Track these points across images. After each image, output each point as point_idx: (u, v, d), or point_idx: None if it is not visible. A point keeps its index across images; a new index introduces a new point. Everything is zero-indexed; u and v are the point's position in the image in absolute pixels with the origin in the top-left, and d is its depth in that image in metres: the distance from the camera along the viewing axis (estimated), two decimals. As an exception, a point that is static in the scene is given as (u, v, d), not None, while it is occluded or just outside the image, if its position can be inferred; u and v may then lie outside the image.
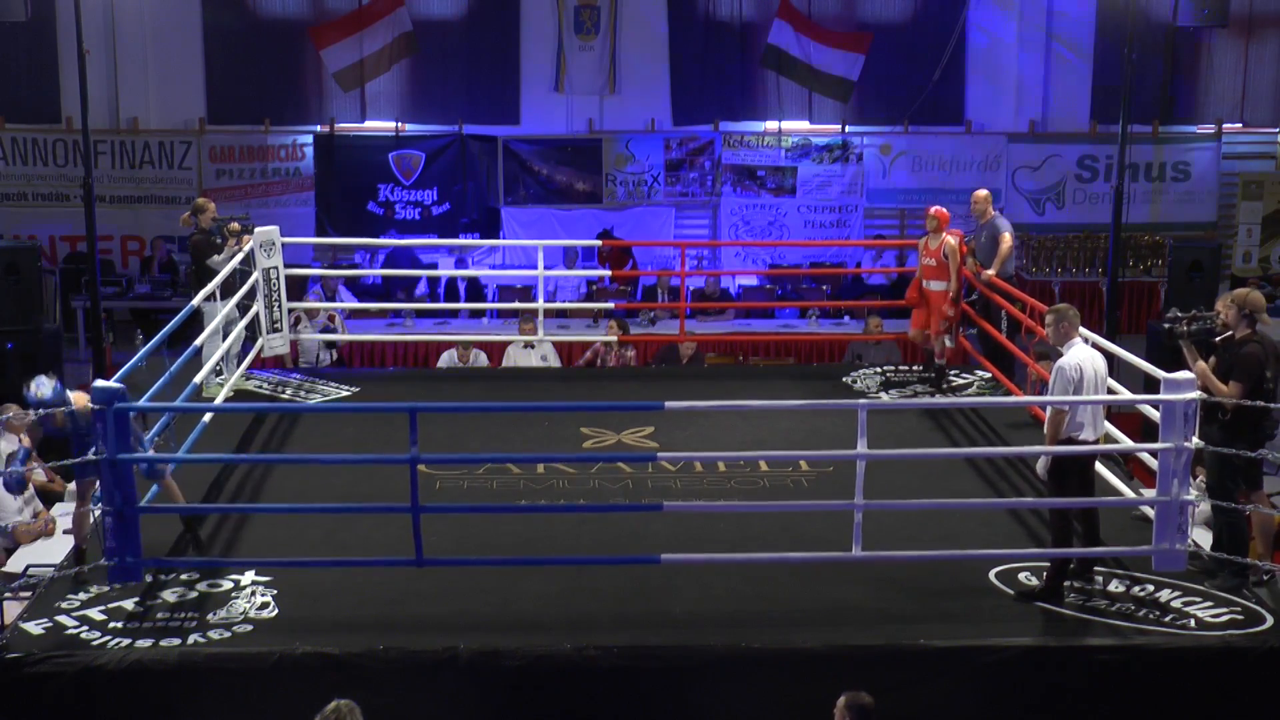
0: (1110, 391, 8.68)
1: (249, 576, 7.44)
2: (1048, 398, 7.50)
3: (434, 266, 16.94)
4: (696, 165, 17.38)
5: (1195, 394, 7.12)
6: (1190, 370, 7.48)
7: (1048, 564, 7.59)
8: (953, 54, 17.44)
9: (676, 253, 15.50)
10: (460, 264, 17.04)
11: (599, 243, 16.32)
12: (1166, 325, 7.78)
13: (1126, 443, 8.56)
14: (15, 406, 9.76)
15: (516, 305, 14.76)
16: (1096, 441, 7.48)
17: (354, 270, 16.29)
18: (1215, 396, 7.33)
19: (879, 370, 11.82)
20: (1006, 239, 10.95)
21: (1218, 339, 7.57)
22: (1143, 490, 8.27)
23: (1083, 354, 7.45)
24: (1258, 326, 7.47)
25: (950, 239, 10.83)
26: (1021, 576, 7.49)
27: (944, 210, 11.05)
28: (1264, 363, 7.37)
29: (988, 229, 11.14)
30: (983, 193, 11.45)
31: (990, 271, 10.88)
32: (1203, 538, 8.01)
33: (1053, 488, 7.44)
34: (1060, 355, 7.55)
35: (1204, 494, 7.85)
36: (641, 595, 7.32)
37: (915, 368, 11.75)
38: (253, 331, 10.95)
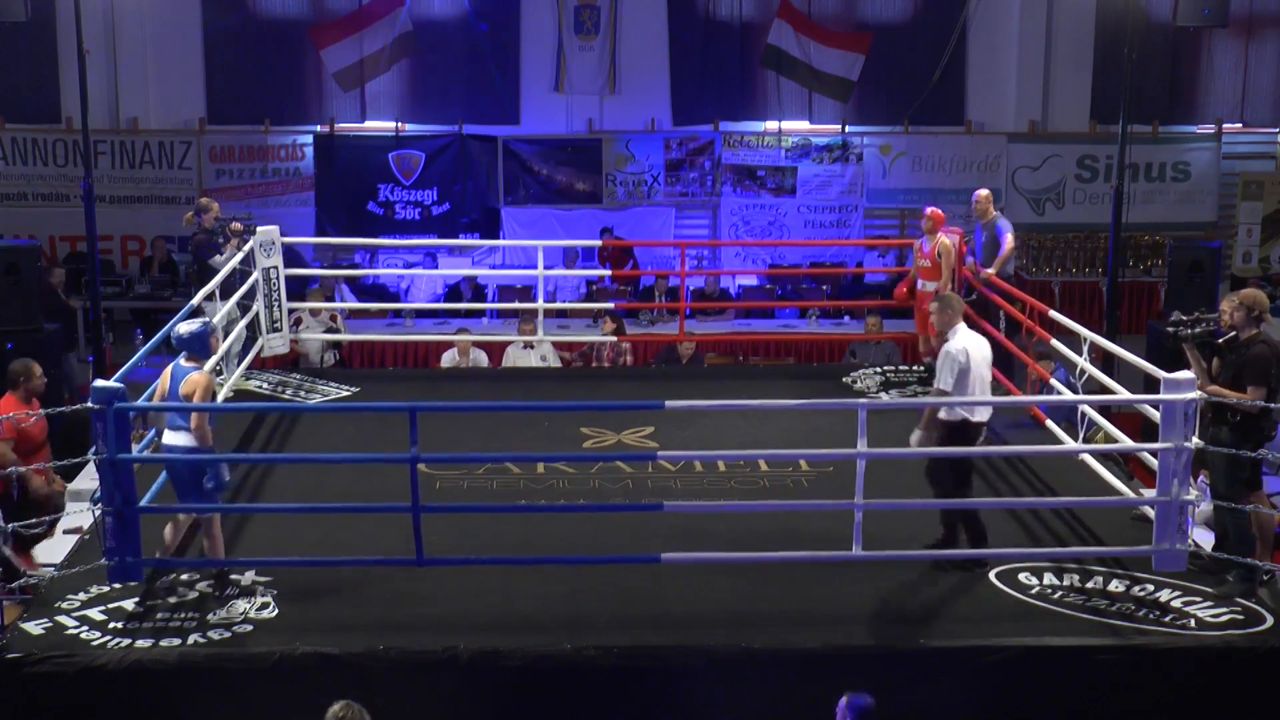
0: (1109, 391, 8.71)
1: (249, 576, 7.44)
2: (976, 399, 7.58)
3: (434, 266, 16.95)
4: (696, 165, 17.38)
5: (1195, 394, 7.12)
6: (1196, 374, 7.45)
7: (1048, 564, 7.61)
8: (953, 54, 17.44)
9: (676, 253, 15.49)
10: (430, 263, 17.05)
11: (599, 243, 16.33)
12: (1170, 329, 7.70)
13: (1127, 443, 8.57)
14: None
15: (516, 305, 14.76)
16: (982, 423, 7.77)
17: (354, 270, 16.29)
18: (1234, 401, 7.24)
19: (879, 370, 11.82)
20: (1009, 240, 10.95)
21: (1221, 340, 7.53)
22: (1143, 490, 8.26)
23: (967, 340, 7.66)
24: (1262, 326, 7.42)
25: (945, 239, 10.83)
26: (1021, 577, 7.49)
27: (939, 211, 11.05)
28: (1271, 363, 7.32)
29: (989, 229, 11.15)
30: (984, 193, 11.45)
31: (990, 271, 10.89)
32: (1203, 538, 8.02)
33: (935, 469, 7.71)
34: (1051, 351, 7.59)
35: (1204, 495, 7.86)
36: (641, 595, 7.32)
37: (916, 368, 11.72)
38: (253, 331, 10.95)
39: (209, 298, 9.98)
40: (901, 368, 11.99)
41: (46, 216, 16.86)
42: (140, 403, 7.32)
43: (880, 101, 17.53)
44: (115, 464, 6.80)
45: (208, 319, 7.65)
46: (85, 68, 12.47)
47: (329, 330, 13.17)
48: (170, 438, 7.20)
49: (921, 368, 11.58)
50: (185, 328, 7.38)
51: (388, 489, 8.29)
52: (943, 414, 7.64)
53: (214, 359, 9.37)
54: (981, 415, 7.75)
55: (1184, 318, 7.69)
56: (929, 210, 11.05)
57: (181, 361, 7.33)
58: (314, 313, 13.09)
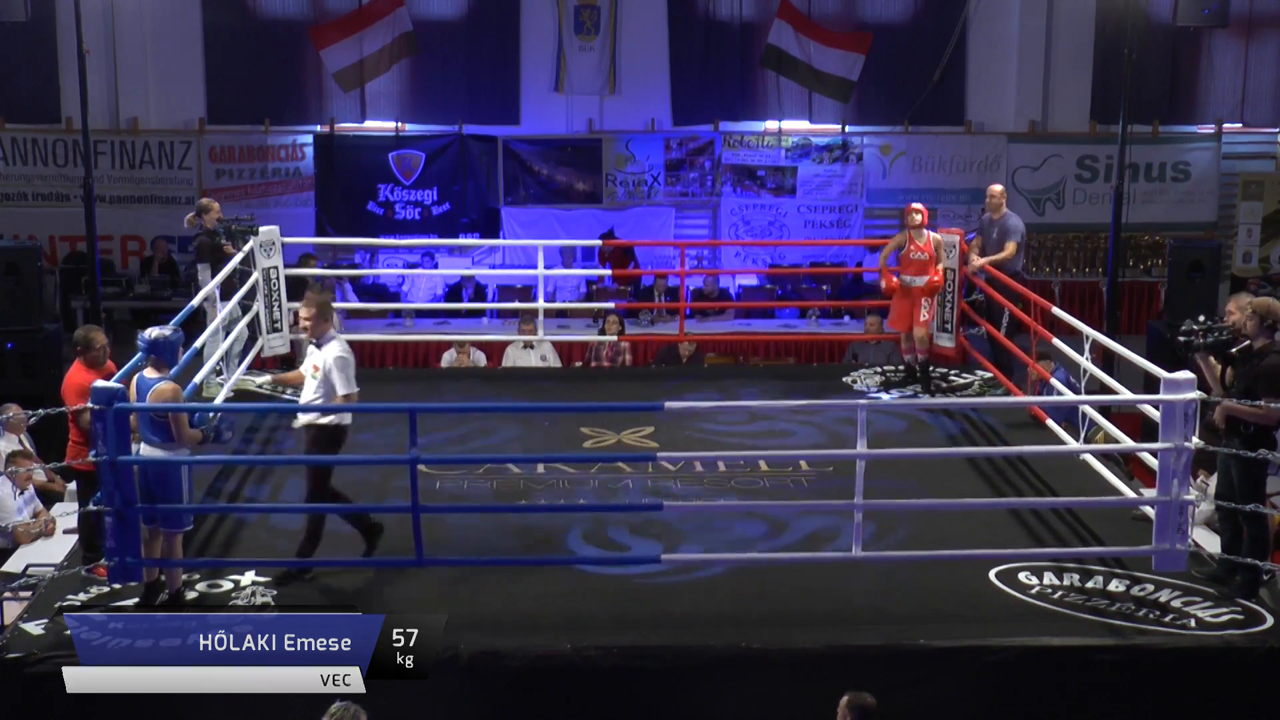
0: (1110, 391, 8.71)
1: (249, 576, 7.44)
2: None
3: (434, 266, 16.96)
4: (696, 165, 17.37)
5: (1195, 394, 7.10)
6: (1209, 383, 7.39)
7: (1048, 564, 7.61)
8: (953, 54, 17.42)
9: (676, 253, 15.50)
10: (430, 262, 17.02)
11: (599, 243, 16.33)
12: (1182, 339, 7.54)
13: (1127, 443, 8.57)
14: (15, 406, 9.79)
15: (516, 305, 14.76)
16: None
17: (354, 270, 16.28)
18: (1251, 414, 7.12)
19: (879, 370, 11.82)
20: (1011, 246, 10.95)
21: (1235, 350, 7.36)
22: (1143, 490, 8.26)
23: (343, 342, 7.65)
24: (1276, 336, 7.24)
25: (938, 236, 10.80)
26: (1021, 577, 7.49)
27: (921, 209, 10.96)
28: None
29: (999, 227, 11.13)
30: (998, 188, 11.45)
31: (983, 260, 10.86)
32: (1203, 538, 8.01)
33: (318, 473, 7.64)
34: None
35: (1204, 495, 7.85)
36: (641, 595, 7.32)
37: (901, 368, 11.66)
38: (253, 331, 10.94)
39: (208, 298, 9.97)
40: (901, 368, 11.97)
41: (46, 216, 16.83)
42: (139, 403, 7.29)
43: (880, 101, 17.52)
44: (115, 465, 6.79)
45: (181, 331, 7.51)
46: (85, 68, 12.49)
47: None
48: (146, 451, 7.09)
49: (917, 364, 11.55)
50: (158, 331, 7.21)
51: (388, 489, 8.29)
52: (324, 419, 7.54)
53: (208, 367, 9.38)
54: (349, 419, 7.74)
55: (1194, 327, 7.49)
56: (920, 207, 10.93)
57: (146, 374, 7.16)
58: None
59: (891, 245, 11.07)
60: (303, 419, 7.63)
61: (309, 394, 7.60)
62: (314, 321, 7.61)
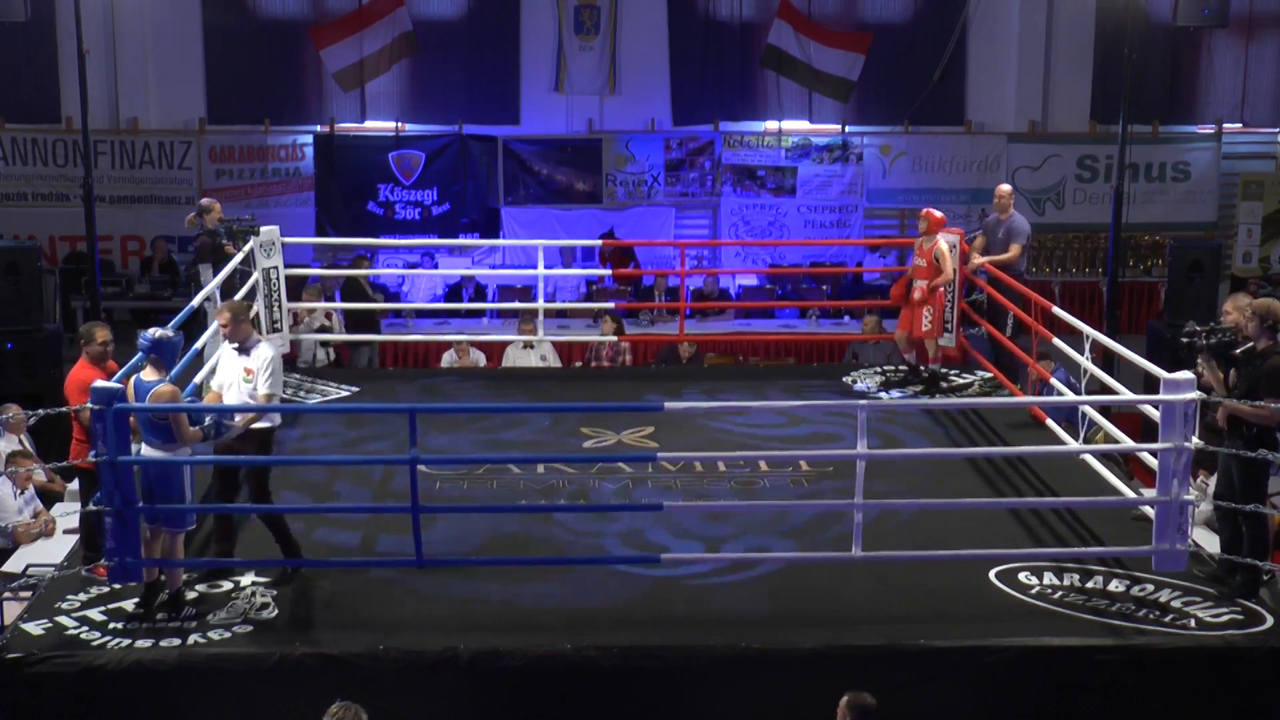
0: (1110, 391, 8.71)
1: (249, 577, 7.44)
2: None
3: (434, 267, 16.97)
4: (696, 165, 17.39)
5: (1195, 394, 7.10)
6: (1213, 384, 7.38)
7: (1048, 564, 7.61)
8: (953, 54, 17.44)
9: (676, 252, 15.51)
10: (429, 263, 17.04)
11: (599, 243, 16.34)
12: (1185, 340, 7.53)
13: (1127, 443, 8.56)
14: (15, 406, 9.79)
15: (516, 305, 14.76)
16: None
17: (354, 270, 16.26)
18: (1253, 415, 7.10)
19: (879, 370, 11.82)
20: (1015, 249, 10.95)
21: (1238, 351, 7.34)
22: (1143, 490, 8.26)
23: (272, 345, 7.61)
24: (1278, 337, 7.20)
25: (942, 242, 10.80)
26: (1021, 577, 7.49)
27: (935, 212, 10.96)
28: None
29: (1005, 227, 11.13)
30: (1006, 188, 11.46)
31: (983, 259, 10.86)
32: (1203, 538, 8.01)
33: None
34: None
35: (1204, 495, 7.85)
36: (641, 595, 7.32)
37: (920, 369, 11.68)
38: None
39: (209, 298, 9.97)
40: (901, 367, 11.97)
41: (46, 216, 16.85)
42: (139, 403, 7.29)
43: (880, 101, 17.54)
44: (115, 465, 6.79)
45: (181, 333, 7.52)
46: (85, 68, 12.50)
47: (322, 329, 13.15)
48: (147, 452, 7.06)
49: (924, 369, 11.55)
50: (160, 331, 7.19)
51: (388, 489, 8.27)
52: (260, 422, 7.46)
53: (208, 367, 9.37)
54: (280, 420, 7.73)
55: (1198, 328, 7.48)
56: (925, 211, 10.99)
57: (144, 375, 7.14)
58: (307, 312, 13.02)
59: (917, 247, 11.03)
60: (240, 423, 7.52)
61: (240, 399, 7.47)
62: (231, 326, 7.52)
